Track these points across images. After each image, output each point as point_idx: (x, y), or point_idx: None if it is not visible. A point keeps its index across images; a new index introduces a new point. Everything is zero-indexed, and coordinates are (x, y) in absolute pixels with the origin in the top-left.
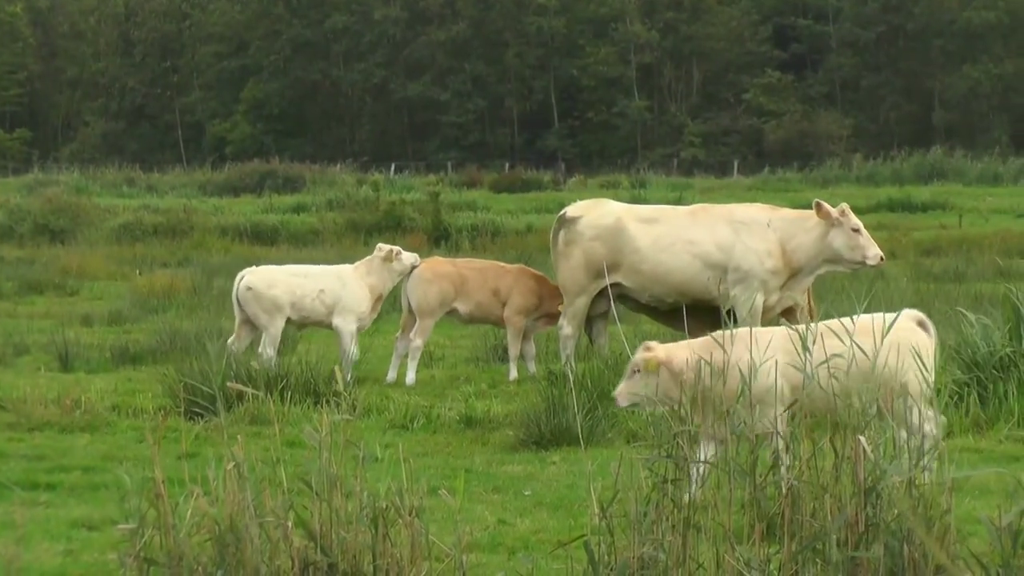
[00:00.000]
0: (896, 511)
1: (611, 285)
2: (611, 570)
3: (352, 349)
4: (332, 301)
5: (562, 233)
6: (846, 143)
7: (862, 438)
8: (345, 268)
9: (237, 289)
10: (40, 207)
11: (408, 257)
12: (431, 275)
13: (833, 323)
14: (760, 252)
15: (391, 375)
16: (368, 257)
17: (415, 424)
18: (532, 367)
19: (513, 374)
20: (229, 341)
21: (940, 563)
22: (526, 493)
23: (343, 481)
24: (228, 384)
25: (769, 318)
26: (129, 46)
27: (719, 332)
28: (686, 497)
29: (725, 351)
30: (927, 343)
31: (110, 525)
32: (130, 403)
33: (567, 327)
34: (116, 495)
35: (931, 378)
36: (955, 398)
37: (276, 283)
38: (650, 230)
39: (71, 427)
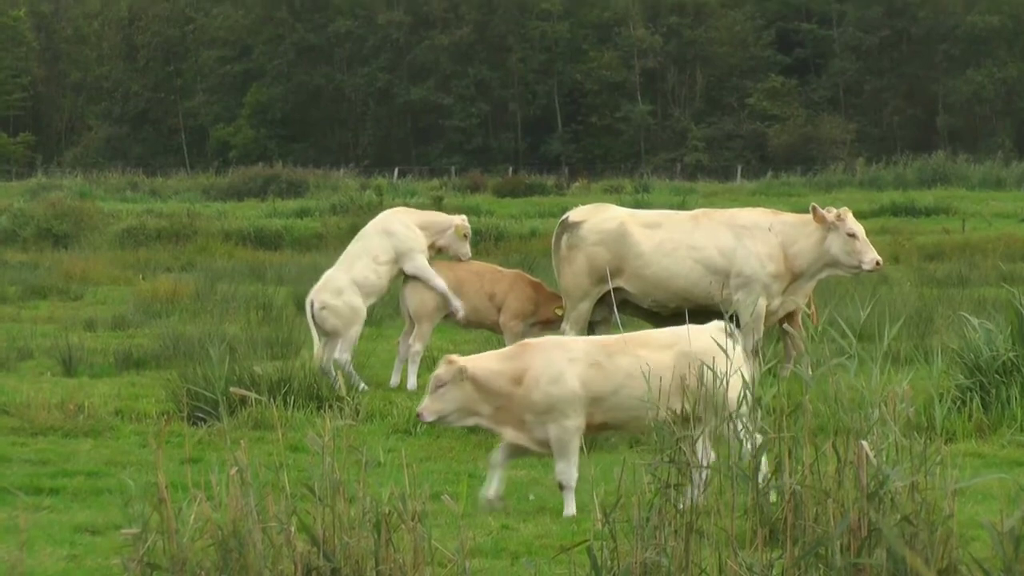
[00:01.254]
0: (899, 516)
1: (613, 290)
2: (614, 575)
3: (437, 281)
4: (388, 258)
5: (565, 238)
6: (849, 147)
7: (864, 443)
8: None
9: (312, 312)
10: (44, 211)
11: (464, 250)
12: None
13: (640, 335)
14: (762, 256)
15: (394, 379)
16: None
17: (418, 429)
18: None
19: None
20: (318, 361)
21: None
22: (529, 498)
23: (346, 486)
24: (231, 389)
25: (772, 322)
26: (132, 50)
27: (526, 341)
28: (688, 502)
29: (524, 361)
30: (737, 357)
31: (113, 530)
32: (133, 408)
33: (570, 332)
34: (119, 500)
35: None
36: (958, 403)
37: (343, 288)
38: (653, 235)
39: (74, 432)
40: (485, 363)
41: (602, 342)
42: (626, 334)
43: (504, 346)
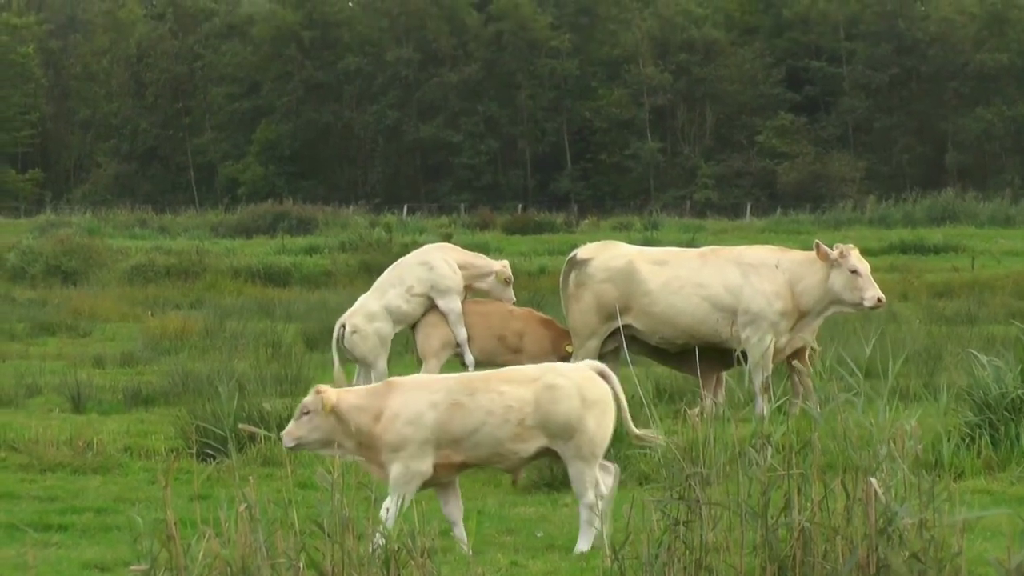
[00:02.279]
0: (908, 553)
1: (621, 327)
2: None
3: (460, 329)
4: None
5: (573, 275)
6: (859, 185)
7: (873, 480)
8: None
9: (341, 337)
10: (52, 248)
11: (509, 294)
12: (435, 319)
13: (505, 371)
14: (769, 294)
15: None
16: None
17: None
18: None
19: None
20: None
21: None
22: (538, 535)
23: (355, 523)
24: (240, 426)
25: (780, 359)
26: (141, 87)
27: (391, 380)
28: (698, 539)
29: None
30: (604, 394)
31: (122, 567)
32: (142, 444)
33: None
34: (128, 536)
35: (611, 428)
36: (967, 440)
37: (376, 314)
38: (660, 272)
39: (83, 468)
40: (351, 398)
41: (465, 380)
42: (491, 371)
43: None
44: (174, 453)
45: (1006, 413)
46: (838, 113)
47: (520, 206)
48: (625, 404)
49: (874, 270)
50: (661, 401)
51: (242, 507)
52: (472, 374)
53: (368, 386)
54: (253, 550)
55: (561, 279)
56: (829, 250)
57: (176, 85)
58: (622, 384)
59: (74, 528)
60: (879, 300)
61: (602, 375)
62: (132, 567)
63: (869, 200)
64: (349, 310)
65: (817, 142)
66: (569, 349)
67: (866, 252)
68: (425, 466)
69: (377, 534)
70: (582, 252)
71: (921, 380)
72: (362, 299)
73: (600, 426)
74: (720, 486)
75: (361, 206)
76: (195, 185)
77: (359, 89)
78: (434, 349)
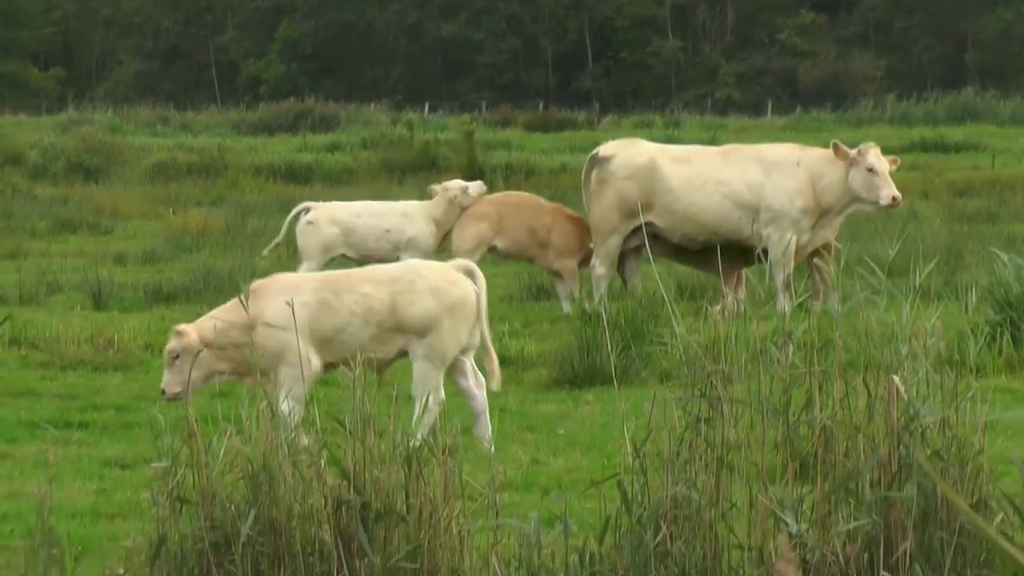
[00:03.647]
0: (929, 451)
1: (643, 224)
2: (644, 509)
3: None
4: (398, 239)
5: (594, 173)
6: (879, 84)
7: (895, 377)
8: (412, 204)
9: (296, 220)
10: (74, 146)
11: (474, 188)
12: (470, 219)
13: (366, 270)
14: (790, 191)
15: None
16: (436, 197)
17: None
18: (566, 307)
19: (566, 308)
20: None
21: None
22: (559, 432)
23: (376, 420)
24: None
25: (801, 257)
26: None
27: (254, 286)
28: (719, 436)
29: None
30: (463, 296)
31: (143, 464)
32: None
33: (600, 267)
34: (149, 434)
35: (479, 329)
36: (988, 338)
37: (338, 221)
38: (682, 170)
39: (104, 366)
40: (215, 321)
41: (329, 279)
42: (353, 270)
43: (552, 281)
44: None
45: None
46: (859, 12)
47: (541, 104)
48: (485, 307)
49: (897, 167)
50: (683, 299)
51: (263, 404)
52: (335, 273)
53: (226, 305)
54: (274, 448)
55: (583, 177)
56: (848, 149)
57: None
58: (645, 281)
59: (95, 425)
60: (894, 199)
61: (469, 274)
62: (153, 464)
63: (889, 99)
64: (327, 203)
65: (838, 41)
66: (591, 246)
67: (887, 151)
68: (312, 362)
69: (399, 433)
70: (604, 149)
71: (942, 278)
72: (349, 204)
73: (454, 330)
74: (741, 384)
75: (383, 104)
76: (217, 83)
77: None
78: (469, 246)
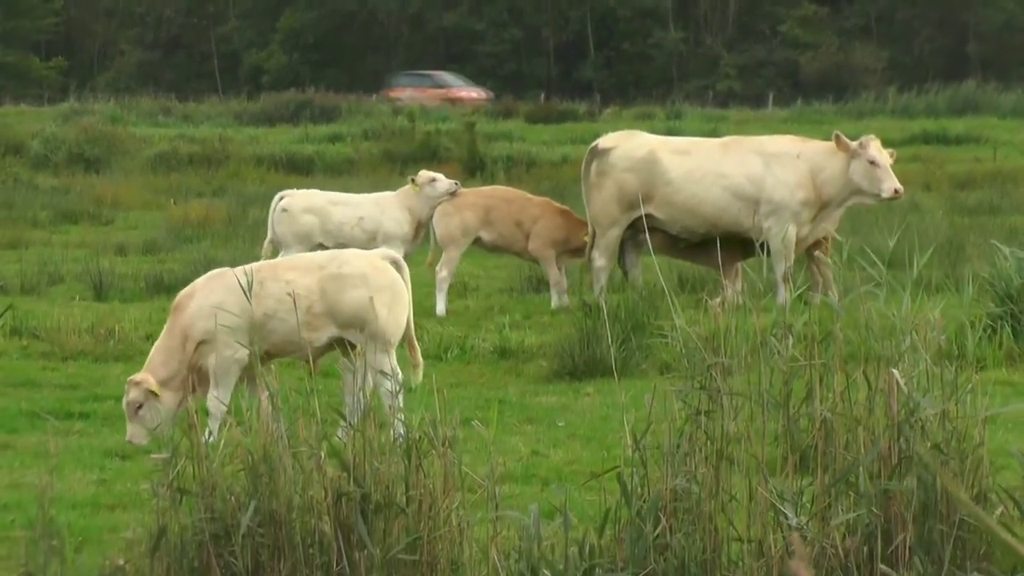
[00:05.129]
0: (929, 444)
1: (643, 216)
2: (644, 502)
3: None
4: (373, 228)
5: (594, 165)
6: (881, 76)
7: (895, 371)
8: (385, 195)
9: (274, 210)
10: (75, 136)
11: (442, 184)
12: (451, 208)
13: (292, 258)
14: (791, 184)
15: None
16: (407, 187)
17: (449, 355)
18: (565, 299)
19: (555, 301)
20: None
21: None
22: (559, 424)
23: (376, 412)
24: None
25: (801, 249)
26: None
27: (183, 294)
28: (719, 429)
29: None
30: (392, 281)
31: (143, 455)
32: None
33: (600, 259)
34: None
35: (403, 317)
36: (988, 331)
37: (313, 208)
38: (682, 162)
39: (105, 356)
40: (158, 358)
41: (254, 269)
42: (277, 259)
43: (537, 271)
44: None
45: None
46: (861, 3)
47: (543, 95)
48: (409, 298)
49: (896, 161)
50: (683, 291)
51: (264, 395)
52: (259, 263)
53: (162, 334)
54: (275, 439)
55: (583, 168)
56: (849, 142)
57: None
58: (645, 273)
59: (95, 416)
60: (896, 191)
61: (394, 264)
62: (153, 455)
63: (891, 91)
64: (302, 190)
65: (840, 32)
66: (585, 239)
67: (888, 143)
68: (240, 353)
69: (398, 423)
70: (604, 141)
71: (943, 271)
72: (324, 193)
73: (391, 313)
74: (741, 376)
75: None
76: (219, 73)
77: None
78: (455, 237)
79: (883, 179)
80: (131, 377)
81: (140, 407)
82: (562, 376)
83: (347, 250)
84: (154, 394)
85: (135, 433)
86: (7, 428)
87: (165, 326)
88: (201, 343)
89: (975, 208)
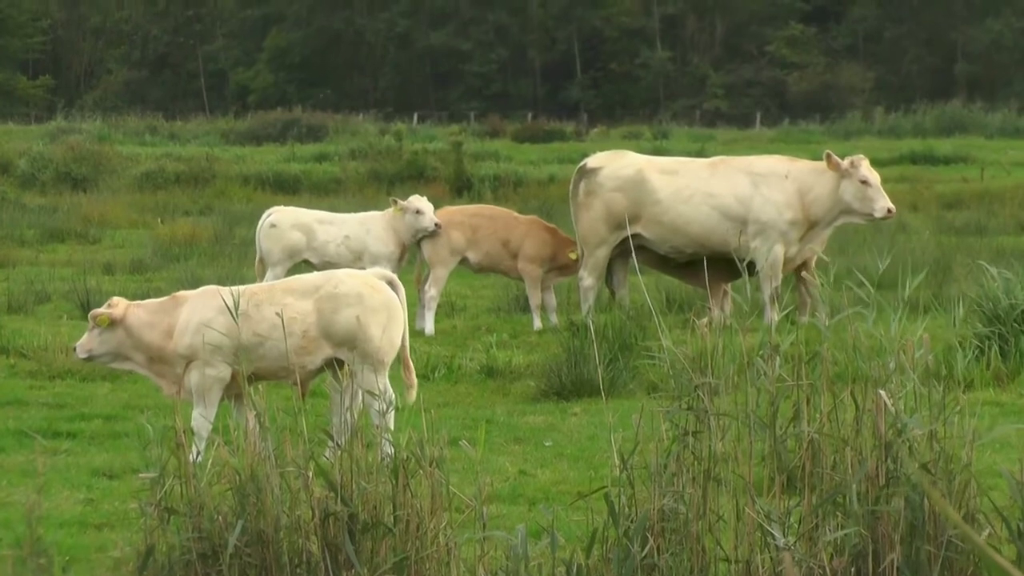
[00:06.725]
0: (917, 464)
1: (630, 236)
2: (631, 522)
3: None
4: (359, 247)
5: (582, 184)
6: (868, 96)
7: (883, 392)
8: (372, 214)
9: (261, 226)
10: (63, 155)
11: (426, 220)
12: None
13: (287, 281)
14: (779, 204)
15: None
16: (392, 209)
17: (436, 374)
18: (553, 318)
19: (537, 324)
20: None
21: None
22: (547, 444)
23: (364, 431)
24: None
25: (789, 269)
26: None
27: (178, 294)
28: (707, 449)
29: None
30: (387, 301)
31: (131, 474)
32: None
33: (588, 278)
34: (137, 444)
35: (398, 336)
36: (976, 351)
37: (300, 225)
38: (670, 182)
39: (92, 376)
40: (140, 312)
41: (250, 292)
42: (274, 282)
43: (523, 292)
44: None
45: (1015, 325)
46: (848, 23)
47: (530, 114)
48: (405, 318)
49: (884, 181)
50: (670, 311)
51: (251, 415)
52: (255, 286)
53: (157, 300)
54: (262, 458)
55: (571, 188)
56: (840, 161)
57: None
58: (632, 293)
59: (83, 435)
60: (889, 210)
61: (390, 284)
62: (141, 474)
63: (878, 111)
64: (290, 207)
65: (827, 52)
66: (573, 256)
67: (876, 163)
68: (221, 371)
69: (385, 443)
70: (592, 161)
71: (930, 291)
72: (312, 211)
73: (386, 333)
74: (729, 396)
75: (371, 114)
76: (205, 92)
77: None
78: (442, 256)
79: (875, 199)
80: (113, 298)
81: (97, 326)
82: (549, 396)
83: (342, 270)
84: (104, 325)
85: (81, 344)
86: None
87: (161, 300)
88: (182, 356)
89: (962, 228)
